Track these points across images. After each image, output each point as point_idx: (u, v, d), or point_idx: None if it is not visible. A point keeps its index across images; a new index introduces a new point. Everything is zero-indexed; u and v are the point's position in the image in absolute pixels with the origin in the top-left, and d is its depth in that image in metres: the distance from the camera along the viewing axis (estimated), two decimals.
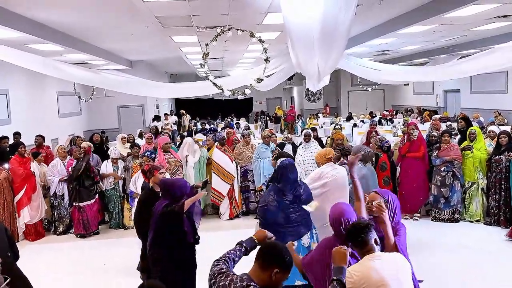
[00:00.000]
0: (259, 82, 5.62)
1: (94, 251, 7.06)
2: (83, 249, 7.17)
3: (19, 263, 3.71)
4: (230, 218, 8.25)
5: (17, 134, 9.91)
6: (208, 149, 8.80)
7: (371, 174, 6.33)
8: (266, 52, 5.53)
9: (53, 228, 8.01)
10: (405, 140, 8.05)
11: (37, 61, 6.50)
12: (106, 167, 8.05)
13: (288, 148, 8.38)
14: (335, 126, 11.64)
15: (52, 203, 7.95)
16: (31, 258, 6.44)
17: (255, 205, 8.12)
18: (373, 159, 6.94)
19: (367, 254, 2.68)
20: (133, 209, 6.02)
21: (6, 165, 7.40)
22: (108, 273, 6.08)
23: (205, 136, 10.61)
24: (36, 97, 13.11)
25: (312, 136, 8.11)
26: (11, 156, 7.71)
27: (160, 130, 13.57)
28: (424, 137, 8.29)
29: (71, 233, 7.81)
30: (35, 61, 6.48)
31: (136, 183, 6.62)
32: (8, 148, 8.29)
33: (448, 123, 13.27)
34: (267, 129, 9.67)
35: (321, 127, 18.97)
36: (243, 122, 20.68)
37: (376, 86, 16.20)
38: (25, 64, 6.46)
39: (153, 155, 6.19)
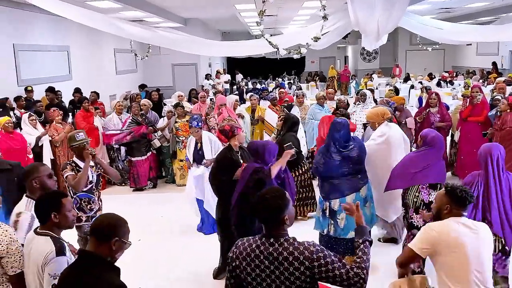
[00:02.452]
0: (317, 41, 5.47)
1: (149, 204, 7.36)
2: (138, 201, 7.51)
3: None
4: None
5: (77, 91, 10.28)
6: (253, 110, 8.74)
7: None
8: (324, 9, 5.33)
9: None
10: (467, 104, 7.67)
11: (97, 18, 6.63)
12: (162, 124, 8.26)
13: (295, 111, 8.02)
14: (389, 88, 11.22)
15: (110, 156, 8.32)
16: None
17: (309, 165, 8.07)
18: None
19: (453, 216, 2.73)
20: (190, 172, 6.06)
21: (70, 120, 7.75)
22: (163, 225, 6.36)
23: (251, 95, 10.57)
24: (95, 54, 13.48)
25: (368, 96, 7.90)
26: (76, 111, 8.09)
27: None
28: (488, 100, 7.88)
29: (126, 184, 8.22)
30: (94, 18, 6.60)
31: (189, 148, 6.31)
32: (71, 105, 8.68)
33: None
34: (328, 91, 9.38)
35: (376, 88, 18.40)
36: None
37: (437, 46, 15.43)
38: (84, 21, 6.59)
39: (200, 124, 5.97)
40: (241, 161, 4.56)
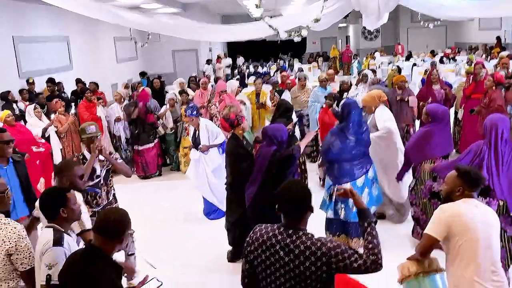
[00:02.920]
0: (317, 22, 5.41)
1: (155, 191, 7.41)
2: (144, 189, 7.55)
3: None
4: None
5: (79, 82, 10.28)
6: (257, 94, 8.63)
7: None
8: None
9: None
10: (471, 81, 7.60)
11: (94, 7, 6.57)
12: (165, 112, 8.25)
13: (286, 96, 7.99)
14: (392, 67, 11.11)
15: (113, 144, 8.36)
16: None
17: (310, 149, 8.08)
18: None
19: (466, 198, 2.76)
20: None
21: (73, 110, 7.76)
22: (168, 213, 6.40)
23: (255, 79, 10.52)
24: (95, 43, 13.45)
25: (369, 77, 7.85)
26: (78, 101, 8.09)
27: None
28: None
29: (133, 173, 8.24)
30: (92, 7, 6.55)
31: (190, 134, 6.50)
32: (73, 96, 8.68)
33: None
34: (329, 72, 9.34)
35: (379, 67, 18.26)
36: (296, 63, 20.34)
37: (438, 23, 15.23)
38: (82, 11, 6.55)
39: (195, 112, 6.02)
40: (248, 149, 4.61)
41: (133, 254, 4.26)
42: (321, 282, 2.25)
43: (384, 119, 5.18)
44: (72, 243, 2.74)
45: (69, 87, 10.31)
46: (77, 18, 11.34)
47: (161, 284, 2.61)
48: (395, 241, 4.86)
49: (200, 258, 5.00)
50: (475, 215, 2.69)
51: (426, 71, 12.41)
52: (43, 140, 6.74)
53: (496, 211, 3.57)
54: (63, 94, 9.48)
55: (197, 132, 6.07)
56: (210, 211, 6.13)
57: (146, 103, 7.93)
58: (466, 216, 2.67)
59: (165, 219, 6.19)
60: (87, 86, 9.58)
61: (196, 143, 6.05)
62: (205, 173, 5.96)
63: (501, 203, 3.74)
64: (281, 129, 4.21)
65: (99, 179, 4.24)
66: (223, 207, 5.82)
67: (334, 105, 6.49)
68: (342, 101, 4.94)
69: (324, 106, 6.93)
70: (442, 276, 2.96)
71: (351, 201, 4.58)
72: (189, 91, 9.38)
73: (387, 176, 5.16)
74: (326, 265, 2.22)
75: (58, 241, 2.60)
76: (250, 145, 4.65)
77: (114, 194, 4.41)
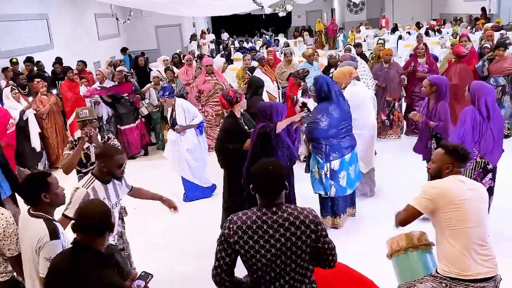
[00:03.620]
0: None
1: (140, 171, 7.29)
2: (128, 169, 7.41)
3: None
4: None
5: (57, 62, 9.93)
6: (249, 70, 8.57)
7: None
8: None
9: None
10: None
11: None
12: (149, 90, 8.11)
13: (258, 73, 7.73)
14: (378, 40, 10.99)
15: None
16: None
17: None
18: None
19: (454, 175, 2.81)
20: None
21: (54, 91, 7.60)
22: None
23: (244, 55, 10.38)
24: (76, 21, 13.09)
25: (352, 51, 7.79)
26: (59, 82, 7.92)
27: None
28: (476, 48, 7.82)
29: None
30: None
31: (167, 114, 6.21)
32: (52, 75, 8.48)
33: (502, 31, 12.36)
34: (310, 47, 9.23)
35: (364, 40, 18.18)
36: (282, 38, 20.13)
37: None
38: None
39: (167, 93, 5.77)
40: (246, 127, 4.52)
41: (123, 249, 3.85)
42: (309, 253, 2.33)
43: (348, 97, 5.07)
44: (62, 229, 2.71)
45: (51, 67, 10.07)
46: None
47: (152, 277, 2.57)
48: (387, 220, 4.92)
49: (193, 244, 4.88)
50: (463, 191, 2.72)
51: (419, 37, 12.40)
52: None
53: (473, 168, 4.26)
54: (44, 74, 9.26)
55: (174, 112, 5.91)
56: (193, 191, 6.04)
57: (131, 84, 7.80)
58: (455, 191, 2.71)
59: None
60: (68, 66, 9.30)
61: (173, 124, 5.93)
62: (183, 153, 5.88)
63: (478, 159, 4.23)
64: (274, 107, 4.25)
65: (93, 166, 3.97)
66: (204, 183, 5.98)
67: (308, 84, 6.39)
68: (316, 78, 4.86)
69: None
70: (431, 250, 3.00)
71: (341, 174, 4.69)
72: (175, 68, 9.23)
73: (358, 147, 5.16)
74: (315, 232, 2.30)
75: (54, 234, 2.56)
76: (252, 123, 4.56)
77: None
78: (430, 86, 4.68)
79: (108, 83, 8.03)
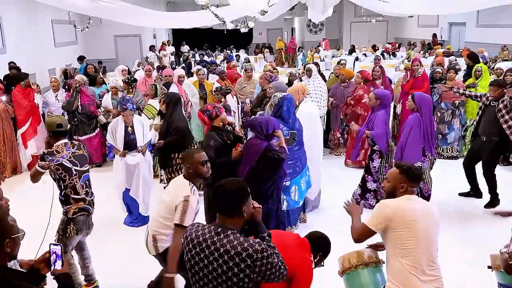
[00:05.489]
0: (263, 14, 5.43)
1: (96, 183, 7.07)
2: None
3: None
4: None
5: (13, 67, 9.58)
6: (200, 84, 8.34)
7: None
8: None
9: None
10: (409, 77, 7.92)
11: None
12: (106, 99, 7.92)
13: (173, 88, 7.42)
14: (339, 61, 11.20)
15: None
16: (36, 186, 6.44)
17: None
18: None
19: (407, 194, 2.87)
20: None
21: (4, 98, 7.31)
22: (110, 204, 6.08)
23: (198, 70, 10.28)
24: (31, 26, 12.68)
25: (313, 71, 7.93)
26: (12, 88, 7.60)
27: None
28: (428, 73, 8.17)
29: None
30: None
31: (116, 132, 5.49)
32: (5, 81, 8.16)
33: (452, 57, 13.00)
34: (269, 64, 9.36)
35: (322, 60, 18.61)
36: (243, 54, 20.27)
37: (380, 18, 15.74)
38: None
39: (131, 106, 5.38)
40: (229, 141, 4.38)
41: None
42: (249, 282, 2.19)
43: (301, 116, 5.20)
44: None
45: (2, 72, 9.67)
46: None
47: (62, 246, 2.34)
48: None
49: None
50: (416, 211, 2.77)
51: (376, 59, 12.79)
52: None
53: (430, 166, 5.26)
54: None
55: (129, 129, 5.40)
56: (134, 217, 5.63)
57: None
58: (407, 211, 2.76)
59: (107, 211, 5.84)
60: (25, 72, 8.93)
61: (131, 143, 5.40)
62: (140, 175, 5.44)
63: (431, 158, 5.23)
64: (270, 122, 4.21)
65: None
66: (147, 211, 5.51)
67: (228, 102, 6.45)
68: (279, 94, 4.87)
69: None
70: (380, 268, 3.07)
71: (292, 189, 4.76)
72: None
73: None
74: (250, 267, 2.15)
75: None
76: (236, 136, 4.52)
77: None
78: (375, 99, 5.37)
79: (61, 92, 7.88)
